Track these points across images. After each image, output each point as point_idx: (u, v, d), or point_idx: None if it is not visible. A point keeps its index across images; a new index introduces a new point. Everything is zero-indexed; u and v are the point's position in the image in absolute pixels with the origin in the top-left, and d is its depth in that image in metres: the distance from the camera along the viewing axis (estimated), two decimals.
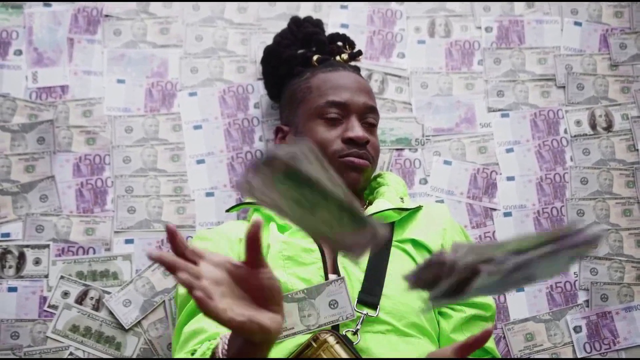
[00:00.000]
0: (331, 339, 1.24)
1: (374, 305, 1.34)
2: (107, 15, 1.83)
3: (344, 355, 1.23)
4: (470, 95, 1.85)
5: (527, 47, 1.89)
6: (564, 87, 1.86)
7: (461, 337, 1.35)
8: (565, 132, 1.83)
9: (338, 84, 1.57)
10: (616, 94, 1.86)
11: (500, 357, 1.49)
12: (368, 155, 1.53)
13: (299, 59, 1.68)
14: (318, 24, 1.75)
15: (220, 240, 1.46)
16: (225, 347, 1.06)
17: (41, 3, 1.81)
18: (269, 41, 1.76)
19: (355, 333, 1.30)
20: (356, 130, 1.52)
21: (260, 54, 1.79)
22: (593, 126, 1.83)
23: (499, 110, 1.84)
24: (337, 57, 1.70)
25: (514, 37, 1.90)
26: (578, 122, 1.83)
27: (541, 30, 1.91)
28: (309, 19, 1.75)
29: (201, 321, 1.30)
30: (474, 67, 1.88)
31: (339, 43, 1.75)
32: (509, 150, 1.81)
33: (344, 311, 1.32)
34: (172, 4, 1.85)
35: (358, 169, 1.51)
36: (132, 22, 1.83)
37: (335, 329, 1.31)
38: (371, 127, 1.58)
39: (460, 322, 1.41)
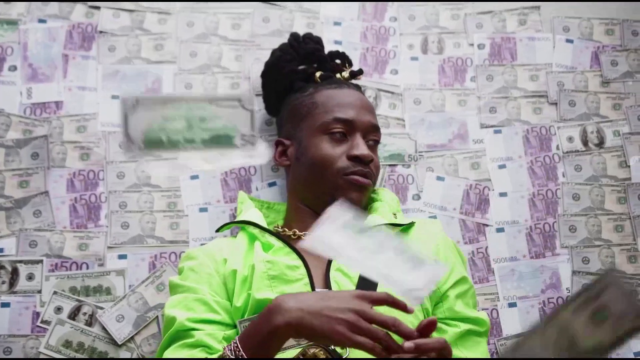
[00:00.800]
0: (320, 354, 1.24)
1: None
2: (101, 32, 1.84)
3: None
4: (463, 112, 1.86)
5: (519, 64, 1.90)
6: (555, 103, 1.87)
7: (456, 353, 1.35)
8: (557, 148, 1.84)
9: (344, 101, 1.57)
10: (608, 111, 1.87)
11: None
12: (371, 174, 1.54)
13: (300, 75, 1.68)
14: (319, 41, 1.75)
15: (206, 260, 1.46)
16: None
17: (36, 19, 1.82)
18: (263, 57, 1.77)
19: (344, 347, 1.30)
20: (361, 148, 1.52)
21: (254, 70, 1.79)
22: (585, 142, 1.84)
23: (492, 126, 1.85)
24: (338, 75, 1.70)
25: (507, 54, 1.91)
26: (570, 139, 1.84)
27: (533, 48, 1.92)
28: (309, 36, 1.74)
29: (181, 352, 1.32)
30: (467, 83, 1.89)
31: (337, 61, 1.75)
32: (502, 167, 1.81)
33: None
34: (166, 21, 1.86)
35: (361, 188, 1.52)
36: (127, 39, 1.84)
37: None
38: (373, 146, 1.59)
39: (455, 337, 1.40)
